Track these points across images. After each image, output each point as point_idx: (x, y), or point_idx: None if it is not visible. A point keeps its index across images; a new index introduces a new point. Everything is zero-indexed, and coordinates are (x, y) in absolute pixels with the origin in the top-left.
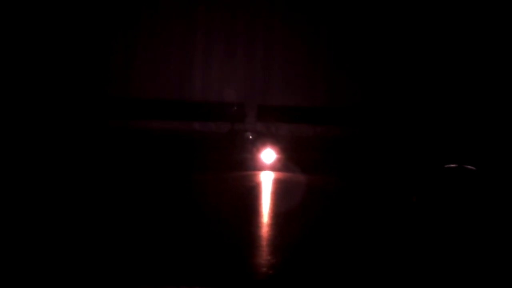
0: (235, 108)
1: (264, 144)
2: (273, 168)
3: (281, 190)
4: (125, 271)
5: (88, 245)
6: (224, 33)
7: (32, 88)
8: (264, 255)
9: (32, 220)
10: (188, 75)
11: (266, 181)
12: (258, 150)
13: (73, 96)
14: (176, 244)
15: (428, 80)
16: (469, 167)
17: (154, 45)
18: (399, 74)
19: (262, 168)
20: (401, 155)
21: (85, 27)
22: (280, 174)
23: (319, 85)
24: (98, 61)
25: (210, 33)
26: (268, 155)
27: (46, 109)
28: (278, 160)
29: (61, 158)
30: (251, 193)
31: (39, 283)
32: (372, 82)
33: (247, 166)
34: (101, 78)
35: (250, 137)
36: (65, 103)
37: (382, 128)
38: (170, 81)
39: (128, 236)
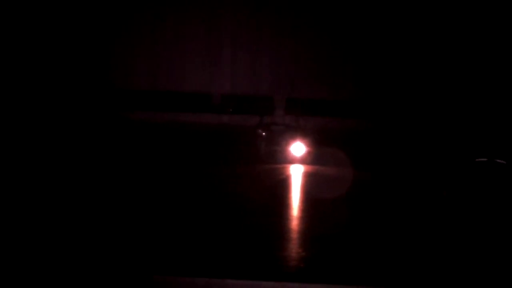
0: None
1: (293, 137)
2: (302, 161)
3: (311, 183)
4: (153, 260)
5: (125, 232)
6: (251, 27)
7: (57, 81)
8: (294, 248)
9: (56, 208)
10: (217, 68)
11: (296, 174)
12: (288, 143)
13: (102, 89)
14: (207, 236)
15: (458, 75)
16: (500, 161)
17: (182, 39)
18: (429, 68)
19: (291, 161)
20: (432, 149)
21: (112, 19)
22: (309, 167)
23: (347, 78)
24: (126, 54)
25: (237, 27)
26: (298, 148)
27: (74, 102)
28: (308, 153)
29: (95, 148)
30: (281, 186)
31: (60, 267)
32: (402, 76)
33: (276, 159)
34: (131, 71)
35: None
36: (96, 95)
37: (413, 121)
38: (199, 74)
39: (160, 225)
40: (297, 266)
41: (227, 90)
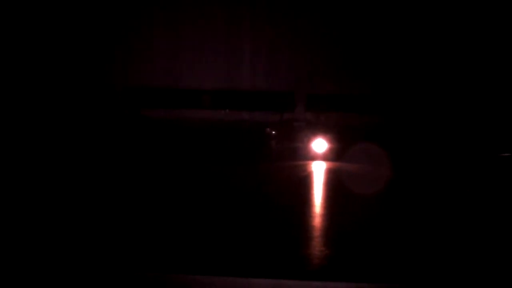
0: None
1: (315, 134)
2: (324, 157)
3: (333, 180)
4: (175, 256)
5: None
6: (269, 22)
7: (72, 78)
8: (317, 246)
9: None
10: (236, 65)
11: (318, 170)
12: (309, 140)
13: (118, 87)
14: (229, 234)
15: (481, 70)
16: None
17: (200, 37)
18: (452, 63)
19: (313, 157)
20: (456, 145)
21: (129, 17)
22: (331, 164)
23: (368, 74)
24: (145, 53)
25: (256, 22)
26: (319, 144)
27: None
28: (329, 149)
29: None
30: (303, 183)
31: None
32: (424, 71)
33: (298, 155)
34: (150, 69)
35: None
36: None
37: (435, 117)
38: (218, 71)
39: (187, 222)
40: (320, 264)
41: (247, 87)
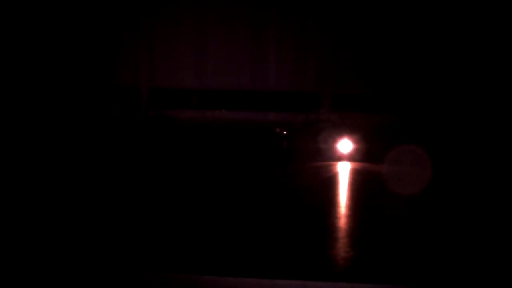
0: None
1: (340, 134)
2: (350, 158)
3: (359, 181)
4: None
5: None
6: (294, 22)
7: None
8: (342, 247)
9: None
10: (259, 65)
11: (344, 171)
12: (335, 140)
13: (145, 89)
14: (255, 234)
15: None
16: None
17: (226, 38)
18: (480, 61)
19: (339, 158)
20: (480, 146)
21: (154, 17)
22: (357, 164)
23: (393, 73)
24: (170, 53)
25: (280, 21)
26: (345, 145)
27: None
28: (355, 150)
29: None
30: (329, 184)
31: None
32: (453, 71)
33: (324, 156)
34: (175, 70)
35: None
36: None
37: (462, 117)
38: (244, 71)
39: (211, 222)
40: (345, 265)
41: (273, 87)
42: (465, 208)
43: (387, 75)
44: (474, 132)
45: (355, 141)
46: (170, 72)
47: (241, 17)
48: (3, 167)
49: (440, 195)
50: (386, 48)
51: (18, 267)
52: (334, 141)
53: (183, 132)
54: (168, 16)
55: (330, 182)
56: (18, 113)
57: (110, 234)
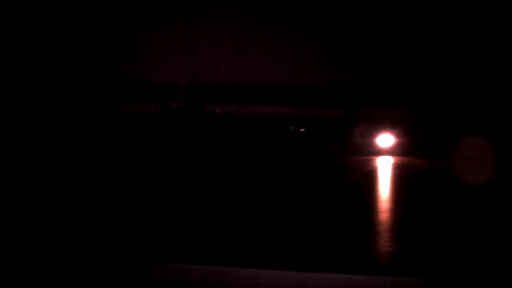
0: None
1: (379, 128)
2: (391, 152)
3: (399, 175)
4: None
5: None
6: (333, 16)
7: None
8: (384, 241)
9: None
10: (298, 59)
11: (384, 166)
12: (375, 135)
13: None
14: (295, 228)
15: None
16: None
17: (263, 31)
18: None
19: (379, 152)
20: None
21: (190, 13)
22: (398, 159)
23: (434, 68)
24: (207, 48)
25: (318, 14)
26: (385, 139)
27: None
28: (396, 144)
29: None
30: (370, 178)
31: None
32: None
33: (364, 151)
34: (211, 66)
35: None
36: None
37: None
38: (279, 65)
39: (250, 218)
40: (387, 259)
41: (310, 80)
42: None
43: (428, 70)
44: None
45: (395, 135)
46: (207, 68)
47: (279, 10)
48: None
49: (489, 192)
50: (428, 42)
51: (20, 257)
52: (373, 135)
53: (221, 127)
54: (205, 10)
55: (370, 177)
56: (48, 108)
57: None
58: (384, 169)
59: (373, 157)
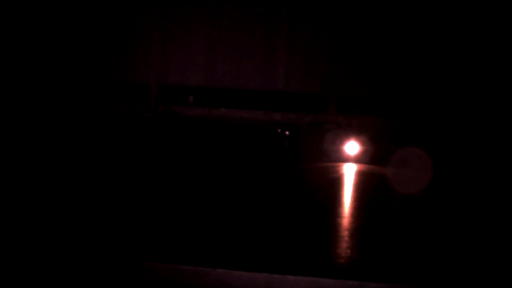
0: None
1: (347, 136)
2: (356, 160)
3: (364, 182)
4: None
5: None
6: (307, 26)
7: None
8: (344, 246)
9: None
10: (269, 65)
11: (349, 172)
12: (342, 142)
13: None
14: (258, 231)
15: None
16: None
17: (237, 36)
18: (487, 67)
19: (345, 159)
20: (485, 151)
21: (163, 16)
22: (363, 166)
23: (400, 78)
24: (180, 51)
25: (293, 24)
26: (352, 147)
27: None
28: (362, 152)
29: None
30: (334, 184)
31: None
32: (461, 77)
33: (330, 158)
34: (184, 68)
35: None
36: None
37: (469, 123)
38: (251, 71)
39: (218, 220)
40: (346, 263)
41: (281, 87)
42: (462, 209)
43: (394, 80)
44: (477, 136)
45: (362, 143)
46: (180, 70)
47: (253, 17)
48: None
49: (439, 196)
50: (394, 53)
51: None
52: (341, 142)
53: (190, 128)
54: (180, 14)
55: (335, 183)
56: (24, 110)
57: (105, 226)
58: (347, 176)
59: (339, 163)
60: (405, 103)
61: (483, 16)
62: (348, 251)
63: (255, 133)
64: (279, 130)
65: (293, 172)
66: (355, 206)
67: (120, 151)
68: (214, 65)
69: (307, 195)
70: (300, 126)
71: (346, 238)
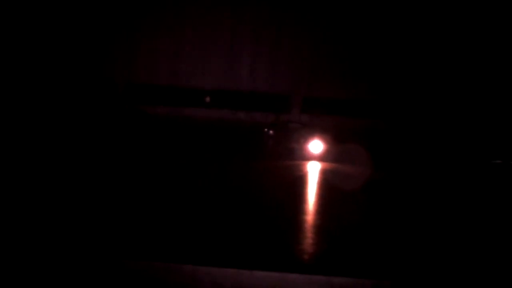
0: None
1: (310, 135)
2: (320, 158)
3: (327, 180)
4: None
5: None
6: (271, 27)
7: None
8: (308, 242)
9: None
10: (234, 65)
11: (313, 170)
12: (306, 141)
13: (124, 84)
14: (223, 227)
15: (473, 75)
16: None
17: (200, 36)
18: (444, 69)
19: (309, 158)
20: (448, 150)
21: (133, 14)
22: (327, 165)
23: (364, 78)
24: (147, 50)
25: (256, 24)
26: (315, 145)
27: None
28: (325, 150)
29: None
30: (298, 182)
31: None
32: (418, 77)
33: (294, 156)
34: (150, 67)
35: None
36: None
37: (428, 122)
38: (216, 71)
39: (185, 218)
40: (310, 259)
41: (244, 87)
42: (425, 208)
43: (356, 80)
44: (441, 137)
45: (325, 142)
46: (147, 69)
47: (218, 18)
48: None
49: (401, 195)
50: (357, 53)
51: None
52: (305, 141)
53: (155, 127)
54: (147, 14)
55: (300, 181)
56: None
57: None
58: (312, 174)
59: (303, 162)
60: (368, 103)
61: (448, 15)
62: (315, 246)
63: (220, 131)
64: (266, 130)
65: (257, 170)
66: (319, 202)
67: (83, 147)
68: (178, 65)
69: (270, 192)
70: (264, 125)
71: (311, 235)
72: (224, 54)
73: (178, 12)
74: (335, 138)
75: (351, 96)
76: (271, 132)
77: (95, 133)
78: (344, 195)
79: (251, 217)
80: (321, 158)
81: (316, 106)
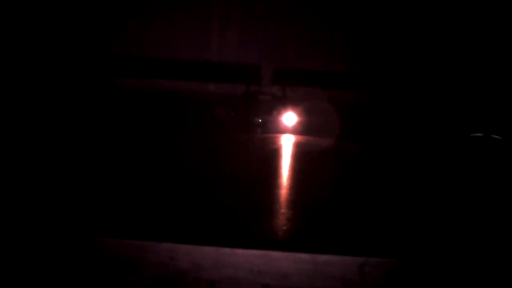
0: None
1: (285, 108)
2: (294, 131)
3: (301, 153)
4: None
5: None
6: None
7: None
8: (282, 217)
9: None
10: (205, 36)
11: (287, 143)
12: (279, 113)
13: (94, 55)
14: (194, 203)
15: (456, 50)
16: (495, 136)
17: (172, 6)
18: (426, 41)
19: (283, 131)
20: (428, 123)
21: None
22: (300, 137)
23: (336, 50)
24: (115, 21)
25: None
26: (289, 118)
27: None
28: (299, 123)
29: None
30: (272, 155)
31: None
32: (395, 48)
33: (268, 129)
34: (118, 37)
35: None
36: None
37: (406, 95)
38: (187, 42)
39: (157, 193)
40: (284, 235)
41: (215, 58)
42: (405, 183)
43: (328, 51)
44: (420, 112)
45: (299, 115)
46: (116, 39)
47: None
48: None
49: (378, 169)
50: (329, 24)
51: None
52: (277, 114)
53: (124, 98)
54: None
55: (272, 154)
56: None
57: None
58: (286, 147)
59: (276, 134)
60: (340, 74)
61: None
62: (295, 223)
63: (192, 104)
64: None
65: (228, 143)
66: (295, 177)
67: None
68: (148, 36)
69: (240, 167)
70: (234, 96)
71: (291, 211)
72: (193, 25)
73: None
74: (308, 110)
75: (325, 68)
76: (220, 108)
77: (66, 104)
78: (318, 168)
79: (216, 192)
80: (294, 130)
81: (288, 77)
